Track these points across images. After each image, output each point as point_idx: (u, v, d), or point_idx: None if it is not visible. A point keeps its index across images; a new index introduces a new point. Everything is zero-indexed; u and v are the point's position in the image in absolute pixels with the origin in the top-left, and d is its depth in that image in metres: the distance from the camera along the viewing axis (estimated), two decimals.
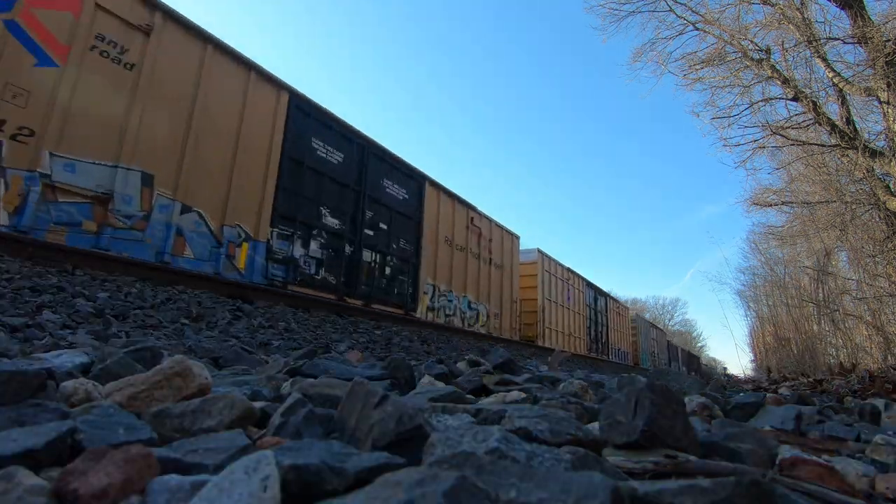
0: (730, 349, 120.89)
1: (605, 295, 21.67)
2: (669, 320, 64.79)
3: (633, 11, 9.96)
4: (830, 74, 8.33)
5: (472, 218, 12.17)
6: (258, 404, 1.03)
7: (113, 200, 5.31)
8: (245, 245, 6.73)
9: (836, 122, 8.33)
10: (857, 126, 8.50)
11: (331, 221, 8.10)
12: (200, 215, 6.24)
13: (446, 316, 10.87)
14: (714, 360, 63.40)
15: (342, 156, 8.48)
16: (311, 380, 1.44)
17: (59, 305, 3.31)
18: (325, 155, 8.14)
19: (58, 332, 2.63)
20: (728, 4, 9.30)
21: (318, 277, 7.78)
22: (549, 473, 0.55)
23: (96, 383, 1.00)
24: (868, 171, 8.14)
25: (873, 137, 8.53)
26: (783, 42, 8.67)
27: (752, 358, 26.54)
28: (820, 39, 8.22)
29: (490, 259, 12.85)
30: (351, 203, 8.54)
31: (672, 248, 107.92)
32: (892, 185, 8.26)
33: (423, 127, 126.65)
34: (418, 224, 10.21)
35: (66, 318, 3.08)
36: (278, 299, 6.36)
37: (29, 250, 4.29)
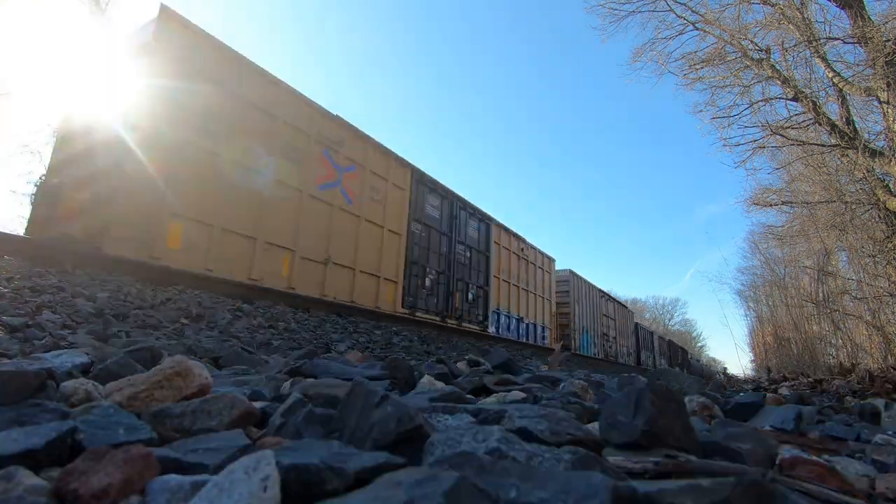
0: (730, 349, 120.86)
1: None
2: (669, 320, 64.92)
3: (633, 11, 9.98)
4: (830, 74, 8.33)
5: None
6: (258, 404, 1.03)
7: None
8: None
9: (836, 122, 8.33)
10: (856, 126, 8.50)
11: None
12: None
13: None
14: (714, 359, 63.39)
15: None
16: (311, 380, 1.44)
17: (59, 305, 3.31)
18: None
19: (58, 332, 2.63)
20: (728, 4, 9.32)
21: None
22: (549, 473, 0.55)
23: (96, 383, 1.00)
24: (868, 171, 8.15)
25: (873, 137, 8.54)
26: (783, 42, 8.67)
27: (752, 358, 26.59)
28: (820, 39, 8.22)
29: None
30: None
31: (672, 248, 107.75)
32: (892, 185, 8.26)
33: (412, 118, 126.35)
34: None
35: (66, 318, 3.08)
36: (278, 299, 6.36)
37: (29, 250, 4.29)
